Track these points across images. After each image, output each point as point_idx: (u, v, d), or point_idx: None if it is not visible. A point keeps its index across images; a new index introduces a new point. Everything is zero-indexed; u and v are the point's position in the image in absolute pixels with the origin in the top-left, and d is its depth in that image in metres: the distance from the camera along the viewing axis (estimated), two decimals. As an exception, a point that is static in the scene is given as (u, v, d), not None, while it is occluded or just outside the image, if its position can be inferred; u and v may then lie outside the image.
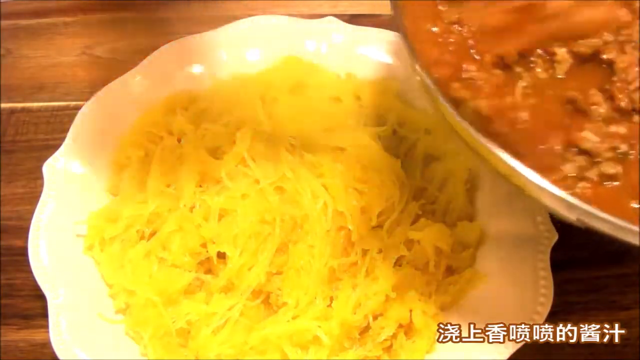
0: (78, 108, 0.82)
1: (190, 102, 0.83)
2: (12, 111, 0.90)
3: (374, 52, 0.87)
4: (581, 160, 0.53)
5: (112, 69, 0.90)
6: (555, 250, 0.71)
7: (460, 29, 0.61)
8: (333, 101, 0.83)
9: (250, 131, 0.76)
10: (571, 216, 0.51)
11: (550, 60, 0.58)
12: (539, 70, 0.58)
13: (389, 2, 0.88)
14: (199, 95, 0.84)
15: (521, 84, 0.57)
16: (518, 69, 0.58)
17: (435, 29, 0.61)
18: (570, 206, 0.49)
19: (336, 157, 0.75)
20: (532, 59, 0.58)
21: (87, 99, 0.82)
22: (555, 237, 0.72)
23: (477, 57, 0.59)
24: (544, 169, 0.51)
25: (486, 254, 0.73)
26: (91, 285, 0.73)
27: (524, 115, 0.56)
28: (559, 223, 0.72)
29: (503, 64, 0.58)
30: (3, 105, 0.91)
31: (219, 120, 0.79)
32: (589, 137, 0.54)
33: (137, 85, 0.84)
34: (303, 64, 0.86)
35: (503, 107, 0.56)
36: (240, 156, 0.75)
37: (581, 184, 0.52)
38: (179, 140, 0.79)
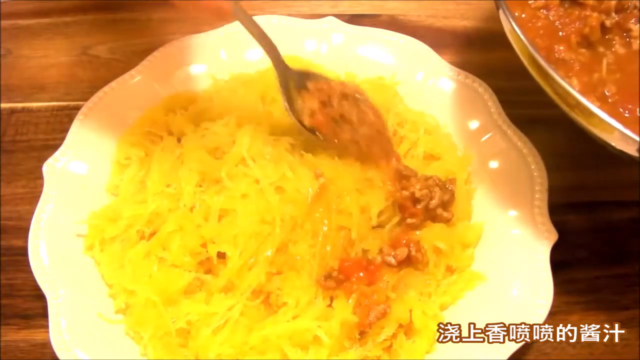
0: (78, 108, 0.82)
1: (190, 102, 0.83)
2: (12, 111, 0.90)
3: (374, 52, 0.87)
4: None
5: (112, 69, 0.90)
6: (555, 250, 0.71)
7: (546, 12, 0.67)
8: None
9: (250, 131, 0.76)
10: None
11: (627, 36, 0.65)
12: (618, 47, 0.65)
13: (389, 2, 0.88)
14: (199, 95, 0.84)
15: (605, 60, 0.64)
16: (601, 48, 0.65)
17: (523, 15, 0.67)
18: None
19: (336, 157, 0.75)
20: (610, 36, 0.65)
21: (87, 99, 0.82)
22: (555, 237, 0.72)
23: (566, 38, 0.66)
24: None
25: (486, 254, 0.74)
26: (91, 285, 0.73)
27: (612, 88, 0.62)
28: (559, 223, 0.72)
29: (587, 44, 0.65)
30: (3, 105, 0.91)
31: (219, 120, 0.79)
32: None
33: (137, 85, 0.84)
34: (303, 64, 0.85)
35: (592, 82, 0.63)
36: (240, 156, 0.75)
37: None
38: (179, 140, 0.79)
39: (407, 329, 0.69)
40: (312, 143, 0.76)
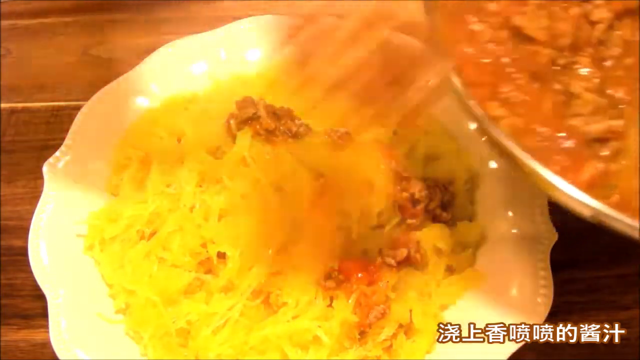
0: (78, 108, 0.82)
1: (190, 102, 0.83)
2: (12, 111, 0.90)
3: (374, 52, 0.87)
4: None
5: (112, 69, 0.90)
6: (555, 250, 0.71)
7: (495, 47, 0.61)
8: (333, 101, 0.83)
9: (250, 131, 0.76)
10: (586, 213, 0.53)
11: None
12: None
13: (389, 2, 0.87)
14: (199, 95, 0.84)
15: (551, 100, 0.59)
16: (557, 85, 0.59)
17: (470, 50, 0.61)
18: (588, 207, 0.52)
19: (336, 157, 0.75)
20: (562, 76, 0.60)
21: (87, 99, 0.82)
22: (555, 237, 0.72)
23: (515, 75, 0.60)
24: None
25: (486, 254, 0.74)
26: (91, 285, 0.73)
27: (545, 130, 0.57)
28: (559, 223, 0.72)
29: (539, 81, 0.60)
30: (3, 105, 0.91)
31: (218, 120, 0.79)
32: None
33: (137, 85, 0.84)
34: (303, 64, 0.85)
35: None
36: (240, 156, 0.75)
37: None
38: (179, 140, 0.79)
39: (407, 329, 0.69)
40: (312, 143, 0.76)
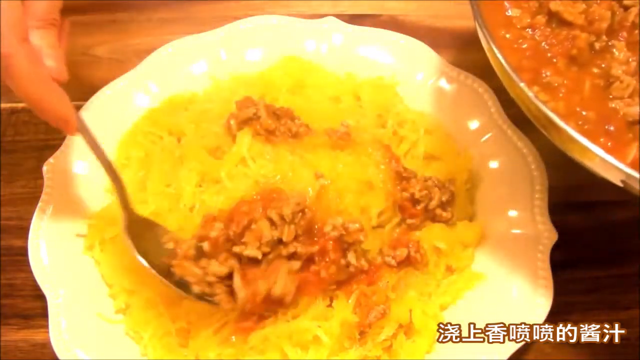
0: (78, 108, 0.82)
1: (190, 102, 0.83)
2: (12, 111, 0.90)
3: (374, 52, 0.87)
4: None
5: (112, 69, 0.90)
6: (555, 250, 0.71)
7: (532, 33, 0.63)
8: (333, 101, 0.83)
9: (250, 131, 0.76)
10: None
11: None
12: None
13: (389, 2, 0.88)
14: (199, 95, 0.84)
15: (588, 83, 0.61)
16: (595, 69, 0.61)
17: (508, 36, 0.63)
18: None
19: (336, 157, 0.75)
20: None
21: (87, 99, 0.82)
22: (555, 237, 0.72)
23: (554, 60, 0.62)
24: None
25: (486, 254, 0.74)
26: (91, 285, 0.73)
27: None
28: (559, 223, 0.72)
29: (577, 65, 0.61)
30: (3, 105, 0.90)
31: (219, 120, 0.79)
32: None
33: (137, 86, 0.84)
34: (303, 64, 0.86)
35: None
36: (240, 156, 0.75)
37: None
38: (179, 140, 0.79)
39: (407, 329, 0.69)
40: (312, 143, 0.76)
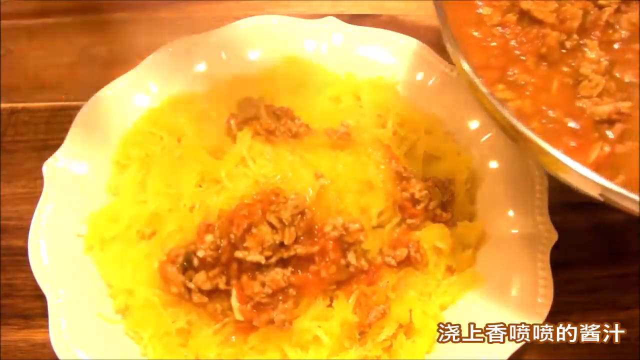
0: (78, 108, 0.82)
1: (190, 102, 0.83)
2: (12, 111, 0.90)
3: (374, 52, 0.87)
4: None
5: (112, 69, 0.90)
6: (555, 250, 0.71)
7: (502, 30, 0.62)
8: (333, 101, 0.83)
9: (250, 131, 0.76)
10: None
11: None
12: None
13: (389, 2, 0.87)
14: (199, 95, 0.84)
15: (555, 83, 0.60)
16: (564, 68, 0.60)
17: (476, 34, 0.62)
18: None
19: (336, 157, 0.75)
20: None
21: (87, 99, 0.82)
22: (555, 237, 0.72)
23: (523, 58, 0.61)
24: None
25: (486, 254, 0.74)
26: (91, 285, 0.73)
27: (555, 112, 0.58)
28: (559, 223, 0.72)
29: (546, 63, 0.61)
30: (3, 105, 0.90)
31: (219, 120, 0.79)
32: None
33: (138, 85, 0.84)
34: (303, 64, 0.85)
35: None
36: (240, 156, 0.75)
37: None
38: (179, 140, 0.79)
39: (407, 329, 0.69)
40: (312, 143, 0.76)
